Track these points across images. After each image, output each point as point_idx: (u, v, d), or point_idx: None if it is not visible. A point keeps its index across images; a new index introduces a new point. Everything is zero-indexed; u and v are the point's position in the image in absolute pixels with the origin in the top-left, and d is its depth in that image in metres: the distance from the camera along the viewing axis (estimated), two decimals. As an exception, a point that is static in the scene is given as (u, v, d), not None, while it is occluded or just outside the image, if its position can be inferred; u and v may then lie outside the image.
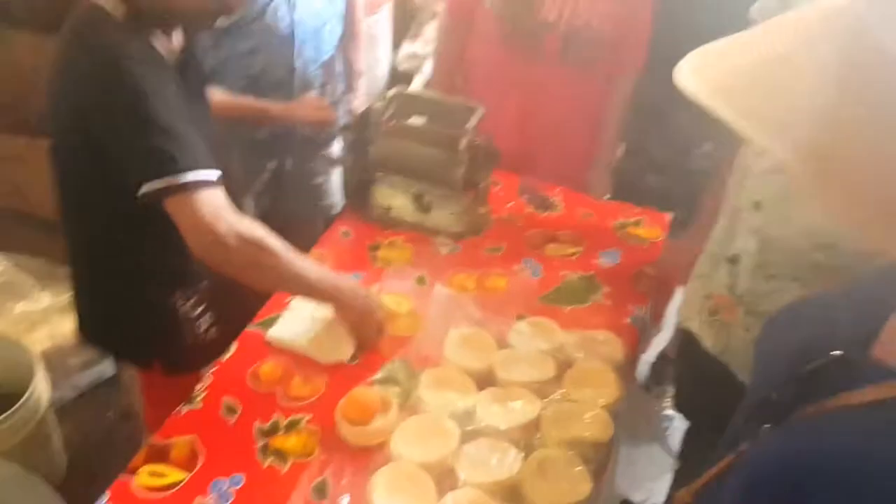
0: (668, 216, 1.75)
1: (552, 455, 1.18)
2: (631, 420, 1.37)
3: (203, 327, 1.43)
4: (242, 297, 1.49)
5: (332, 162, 2.09)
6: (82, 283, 1.44)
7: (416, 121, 1.59)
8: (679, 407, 1.68)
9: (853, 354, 0.68)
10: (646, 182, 1.95)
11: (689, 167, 1.88)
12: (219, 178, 1.15)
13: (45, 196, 2.22)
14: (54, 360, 2.04)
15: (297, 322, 1.40)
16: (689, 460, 1.59)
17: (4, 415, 1.68)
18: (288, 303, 1.45)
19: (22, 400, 1.72)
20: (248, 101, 1.68)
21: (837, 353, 0.69)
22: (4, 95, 2.38)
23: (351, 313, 1.33)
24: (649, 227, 1.71)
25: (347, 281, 1.39)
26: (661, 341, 2.27)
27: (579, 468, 1.17)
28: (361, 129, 1.59)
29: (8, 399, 1.75)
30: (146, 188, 1.11)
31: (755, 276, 1.24)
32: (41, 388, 1.82)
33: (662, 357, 2.32)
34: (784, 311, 0.88)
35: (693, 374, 1.55)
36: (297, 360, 1.36)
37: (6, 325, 1.98)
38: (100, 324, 1.47)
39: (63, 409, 2.10)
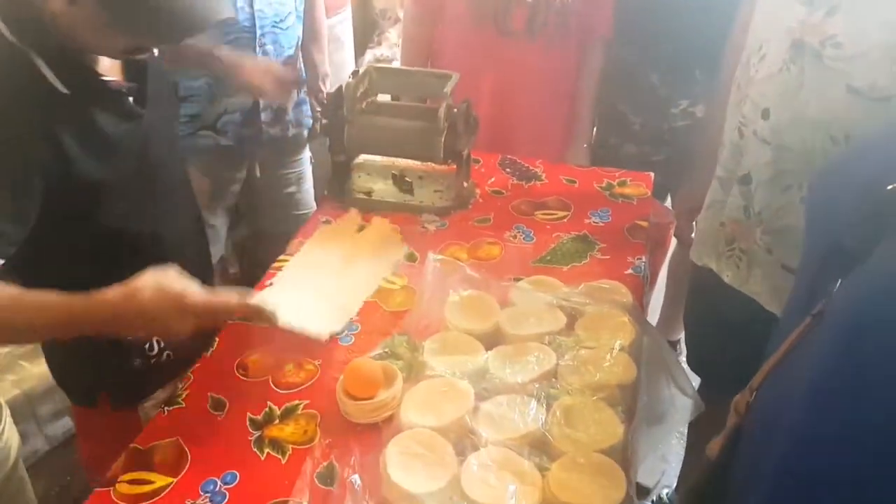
0: (651, 175, 1.67)
1: (577, 403, 1.06)
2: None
3: (155, 351, 1.26)
4: None
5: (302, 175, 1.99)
6: None
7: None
8: (692, 363, 1.57)
9: None
10: (624, 152, 1.88)
11: (667, 126, 1.81)
12: None
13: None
14: (23, 410, 1.85)
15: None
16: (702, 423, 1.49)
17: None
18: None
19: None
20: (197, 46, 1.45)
21: None
22: None
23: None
24: (635, 186, 1.63)
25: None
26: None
27: (608, 412, 1.04)
28: (335, 110, 1.48)
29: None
30: None
31: (770, 189, 1.17)
32: (9, 438, 1.62)
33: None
34: (841, 157, 0.80)
35: (709, 323, 1.44)
36: (288, 346, 1.22)
37: (-32, 374, 1.79)
38: (52, 356, 1.31)
39: (37, 465, 1.90)
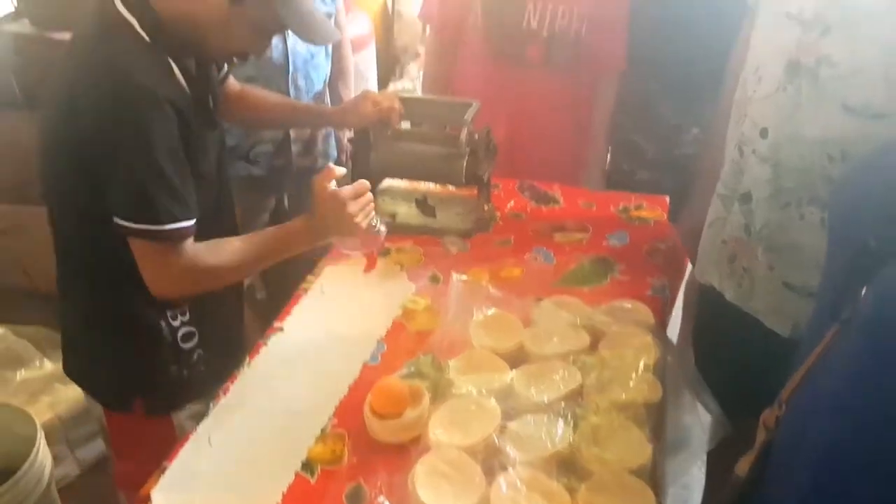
0: (666, 198, 1.62)
1: (604, 422, 1.00)
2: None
3: (194, 359, 1.23)
4: (230, 335, 1.34)
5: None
6: (68, 315, 1.24)
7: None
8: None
9: None
10: (637, 178, 1.83)
11: (679, 153, 1.77)
12: (190, 226, 1.08)
13: (47, 269, 2.08)
14: (57, 433, 1.81)
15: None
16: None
17: (2, 486, 1.42)
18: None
19: (22, 471, 1.46)
20: (303, 104, 1.58)
21: None
22: (7, 173, 2.26)
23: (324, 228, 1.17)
24: (651, 209, 1.59)
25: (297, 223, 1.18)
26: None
27: (636, 431, 0.99)
28: (361, 139, 1.46)
29: (6, 476, 1.51)
30: (122, 222, 1.04)
31: (770, 207, 1.12)
32: (43, 459, 1.58)
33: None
34: (862, 163, 0.75)
35: (715, 342, 1.38)
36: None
37: (7, 395, 1.75)
38: (81, 360, 1.27)
39: (68, 488, 1.83)
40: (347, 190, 1.15)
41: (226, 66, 1.29)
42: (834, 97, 1.01)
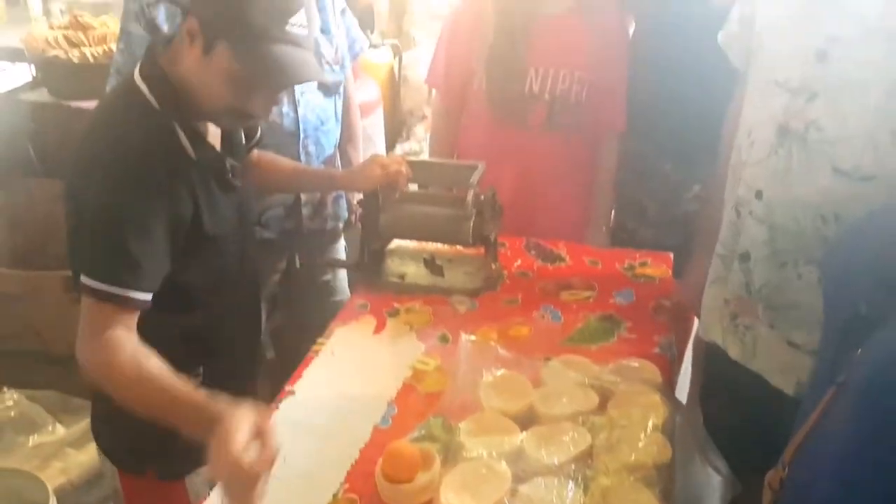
0: (671, 255, 1.65)
1: (614, 483, 1.01)
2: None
3: None
4: (243, 396, 1.33)
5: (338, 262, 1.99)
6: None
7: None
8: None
9: None
10: (641, 235, 1.87)
11: (681, 211, 1.80)
12: (135, 300, 1.06)
13: (61, 334, 2.10)
14: (68, 499, 1.80)
15: None
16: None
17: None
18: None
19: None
20: (313, 169, 1.63)
21: None
22: (23, 238, 2.32)
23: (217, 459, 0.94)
24: (656, 266, 1.62)
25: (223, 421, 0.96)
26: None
27: (646, 493, 0.99)
28: (371, 201, 1.51)
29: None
30: (81, 276, 1.07)
31: (769, 266, 1.15)
32: (54, 529, 1.58)
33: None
34: (851, 228, 0.78)
35: (720, 399, 1.38)
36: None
37: (19, 459, 1.76)
38: (98, 421, 1.31)
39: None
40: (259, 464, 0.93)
41: (258, 133, 1.35)
42: (824, 160, 1.05)
